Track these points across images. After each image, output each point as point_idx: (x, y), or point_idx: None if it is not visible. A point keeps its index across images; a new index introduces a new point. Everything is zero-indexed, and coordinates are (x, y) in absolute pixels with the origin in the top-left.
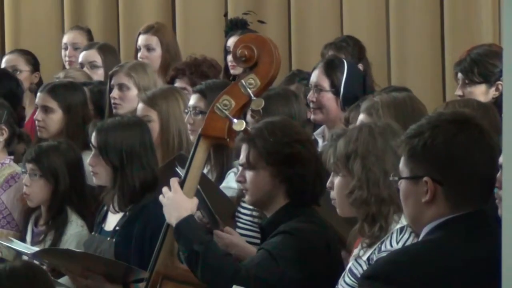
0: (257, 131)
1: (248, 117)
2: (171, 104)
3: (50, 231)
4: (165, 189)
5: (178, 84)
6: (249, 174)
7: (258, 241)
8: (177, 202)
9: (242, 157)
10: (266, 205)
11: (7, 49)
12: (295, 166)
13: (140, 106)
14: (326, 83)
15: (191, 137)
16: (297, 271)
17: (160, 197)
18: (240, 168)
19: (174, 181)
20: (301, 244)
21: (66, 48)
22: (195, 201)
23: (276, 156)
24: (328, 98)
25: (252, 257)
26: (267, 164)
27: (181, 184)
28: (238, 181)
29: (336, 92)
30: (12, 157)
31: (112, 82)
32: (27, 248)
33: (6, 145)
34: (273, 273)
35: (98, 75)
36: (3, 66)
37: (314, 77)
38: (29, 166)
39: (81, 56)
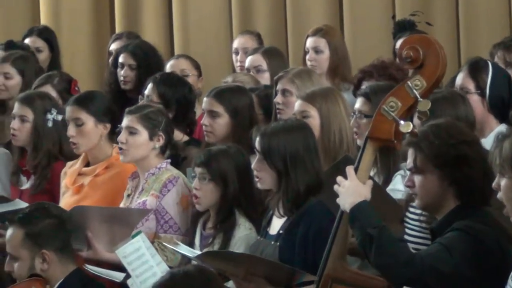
0: (423, 134)
1: (415, 119)
2: (331, 102)
3: (218, 234)
4: (339, 178)
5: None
6: (417, 179)
7: (427, 244)
8: (352, 189)
9: (409, 162)
10: (437, 208)
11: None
12: (463, 168)
13: (299, 102)
14: (471, 85)
15: (358, 141)
16: (468, 268)
17: (335, 186)
18: (408, 172)
19: (350, 169)
20: (475, 243)
21: (237, 53)
22: (369, 186)
23: (443, 159)
24: (474, 100)
25: (425, 248)
26: (435, 168)
27: None
28: (407, 186)
29: (481, 93)
30: (169, 160)
31: (277, 87)
32: (191, 252)
33: (161, 152)
34: (447, 264)
35: (264, 79)
36: (169, 70)
37: (459, 79)
38: (198, 170)
39: (248, 61)
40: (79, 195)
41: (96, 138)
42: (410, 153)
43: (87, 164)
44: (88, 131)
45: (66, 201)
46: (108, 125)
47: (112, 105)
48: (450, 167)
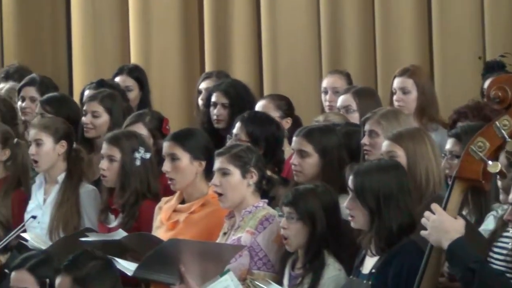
0: None
1: (502, 158)
2: (418, 143)
3: (307, 275)
4: (427, 213)
5: None
6: None
7: None
8: (445, 224)
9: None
10: None
11: (265, 94)
12: None
13: (386, 143)
14: None
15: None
16: None
17: (423, 220)
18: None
19: (435, 206)
20: None
21: (326, 92)
22: (462, 222)
23: None
24: None
25: None
26: None
27: None
28: (507, 220)
29: None
30: (266, 200)
31: (365, 128)
32: None
33: (257, 188)
34: None
35: (354, 119)
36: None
37: None
38: (286, 209)
39: (339, 100)
40: (174, 231)
41: (192, 175)
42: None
43: (182, 201)
44: (183, 167)
45: (160, 236)
46: (204, 163)
47: (209, 143)
48: None
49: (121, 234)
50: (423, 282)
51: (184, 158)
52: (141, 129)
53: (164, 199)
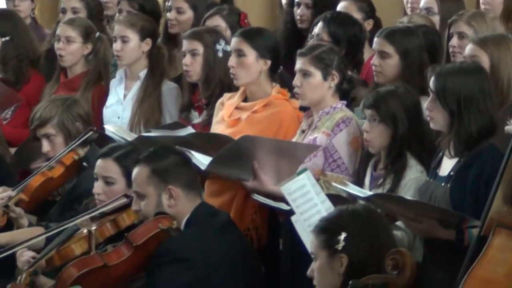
0: None
1: None
2: (503, 49)
3: (389, 176)
4: None
5: None
6: None
7: None
8: None
9: None
10: None
11: None
12: None
13: (470, 46)
14: None
15: None
16: None
17: (507, 127)
18: None
19: None
20: None
21: None
22: None
23: None
24: None
25: None
26: None
27: None
28: None
29: None
30: (344, 101)
31: (451, 30)
32: (361, 191)
33: (337, 90)
34: None
35: (434, 21)
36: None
37: None
38: (367, 112)
39: (421, 2)
40: (235, 128)
41: (256, 72)
42: None
43: (245, 99)
44: (249, 63)
45: (219, 132)
46: (269, 62)
47: (277, 43)
48: None
49: (188, 130)
50: (501, 186)
51: (251, 55)
52: (220, 22)
53: (226, 95)
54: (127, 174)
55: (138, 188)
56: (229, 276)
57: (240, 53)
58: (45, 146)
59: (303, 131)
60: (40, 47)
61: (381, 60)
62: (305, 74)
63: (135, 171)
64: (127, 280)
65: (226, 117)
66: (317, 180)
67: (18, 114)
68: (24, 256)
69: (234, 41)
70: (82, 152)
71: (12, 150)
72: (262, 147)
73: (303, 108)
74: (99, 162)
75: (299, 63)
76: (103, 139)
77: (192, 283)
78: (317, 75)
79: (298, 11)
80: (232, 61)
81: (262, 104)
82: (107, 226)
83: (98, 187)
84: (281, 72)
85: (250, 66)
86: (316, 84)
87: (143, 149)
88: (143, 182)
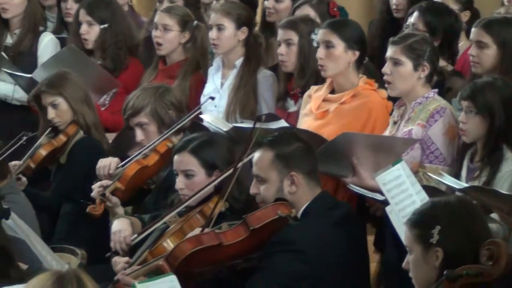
0: None
1: None
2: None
3: (485, 168)
4: None
5: None
6: None
7: None
8: None
9: None
10: None
11: None
12: None
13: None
14: None
15: None
16: None
17: None
18: None
19: None
20: None
21: None
22: None
23: None
24: None
25: None
26: None
27: None
28: None
29: None
30: (436, 90)
31: None
32: (456, 183)
33: (427, 80)
34: None
35: None
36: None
37: None
38: (464, 103)
39: None
40: (323, 120)
41: (344, 63)
42: None
43: (332, 91)
44: (337, 55)
45: (307, 124)
46: (357, 53)
47: (364, 34)
48: None
49: (281, 124)
50: None
51: (339, 46)
52: (309, 11)
53: (313, 87)
54: (205, 164)
55: (259, 172)
56: (340, 277)
57: (328, 45)
58: (139, 135)
59: (395, 122)
60: (138, 35)
61: (479, 51)
62: (396, 62)
63: (257, 155)
64: (229, 261)
65: (314, 110)
66: (416, 172)
67: (116, 100)
68: (119, 263)
69: (321, 32)
70: (176, 140)
71: (109, 136)
72: (360, 143)
73: (391, 98)
74: (175, 157)
75: (390, 51)
76: (196, 127)
77: (305, 276)
78: (408, 64)
79: (394, 1)
80: (320, 52)
81: (350, 95)
82: (197, 218)
83: (179, 182)
84: (367, 63)
85: (339, 57)
86: (406, 73)
87: (217, 139)
88: (266, 166)
